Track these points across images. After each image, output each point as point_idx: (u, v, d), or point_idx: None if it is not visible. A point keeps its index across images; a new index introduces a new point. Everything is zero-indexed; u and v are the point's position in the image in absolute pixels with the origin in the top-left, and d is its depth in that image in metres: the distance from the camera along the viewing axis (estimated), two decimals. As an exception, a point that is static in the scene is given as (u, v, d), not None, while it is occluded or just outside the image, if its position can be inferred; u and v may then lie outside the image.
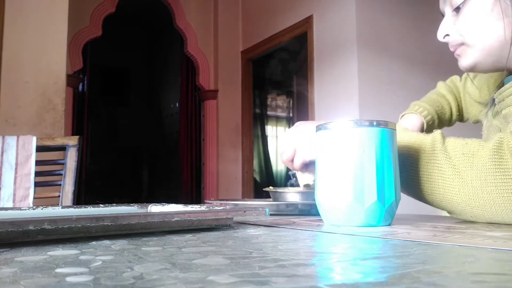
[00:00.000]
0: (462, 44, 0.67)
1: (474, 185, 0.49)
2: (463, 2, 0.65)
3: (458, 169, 0.50)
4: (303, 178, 0.73)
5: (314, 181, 0.71)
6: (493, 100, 0.70)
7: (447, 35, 0.69)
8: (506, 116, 0.64)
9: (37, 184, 1.20)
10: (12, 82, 1.95)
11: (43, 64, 2.03)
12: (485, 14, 0.63)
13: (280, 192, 0.74)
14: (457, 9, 0.66)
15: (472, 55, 0.66)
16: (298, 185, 0.76)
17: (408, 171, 0.55)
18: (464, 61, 0.68)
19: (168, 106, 5.96)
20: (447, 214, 0.60)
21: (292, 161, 0.71)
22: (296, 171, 0.73)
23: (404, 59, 3.20)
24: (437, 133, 0.55)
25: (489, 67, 0.67)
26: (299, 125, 0.71)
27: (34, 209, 0.49)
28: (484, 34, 0.64)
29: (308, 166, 0.70)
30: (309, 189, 0.73)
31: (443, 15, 0.71)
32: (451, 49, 0.70)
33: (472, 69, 0.68)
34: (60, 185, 1.22)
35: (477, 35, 0.65)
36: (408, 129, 0.60)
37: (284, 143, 0.71)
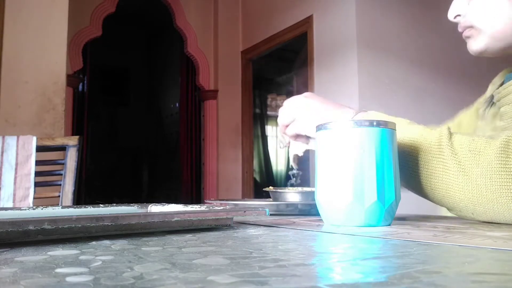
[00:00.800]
0: (471, 27, 0.67)
1: (478, 182, 0.49)
2: None
3: (463, 165, 0.50)
4: (295, 147, 0.74)
5: (303, 152, 0.72)
6: (492, 98, 0.70)
7: (459, 15, 0.68)
8: (502, 114, 0.64)
9: (37, 184, 1.20)
10: (12, 82, 1.95)
11: (43, 64, 2.03)
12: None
13: (280, 192, 0.74)
14: None
15: (482, 40, 0.66)
16: (297, 183, 0.77)
17: (411, 165, 0.54)
18: (474, 45, 0.68)
19: (168, 106, 5.96)
20: (447, 212, 0.60)
21: (286, 127, 0.72)
22: (290, 140, 0.74)
23: (404, 59, 3.20)
24: (444, 128, 0.54)
25: (498, 52, 0.67)
26: (308, 97, 0.71)
27: (34, 209, 0.49)
28: (495, 19, 0.64)
29: (299, 137, 0.72)
30: (298, 160, 0.73)
31: None
32: (460, 30, 0.69)
33: (482, 53, 0.68)
34: (60, 185, 1.22)
35: (487, 19, 0.65)
36: (414, 123, 0.59)
37: (287, 105, 0.72)
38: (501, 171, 0.47)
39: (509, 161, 0.47)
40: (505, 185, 0.47)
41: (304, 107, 0.70)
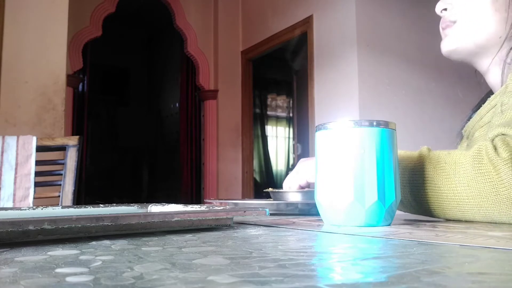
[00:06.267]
0: (454, 23, 0.69)
1: (459, 191, 0.51)
2: None
3: (442, 176, 0.52)
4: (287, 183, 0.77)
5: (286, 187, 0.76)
6: (461, 134, 0.73)
7: (445, 9, 0.71)
8: (476, 140, 0.66)
9: (37, 184, 1.20)
10: (12, 82, 1.95)
11: (43, 64, 2.03)
12: (483, 1, 0.65)
13: (280, 192, 0.74)
14: None
15: (457, 39, 0.69)
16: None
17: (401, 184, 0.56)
18: (446, 44, 0.71)
19: (168, 106, 5.96)
20: None
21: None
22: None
23: (404, 59, 3.20)
24: (423, 148, 0.57)
25: (465, 55, 0.70)
26: (306, 159, 0.77)
27: (34, 209, 0.49)
28: (477, 19, 0.66)
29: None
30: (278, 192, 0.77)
31: None
32: (442, 26, 0.72)
33: (451, 53, 0.71)
34: (60, 185, 1.22)
35: (472, 17, 0.67)
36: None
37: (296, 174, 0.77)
38: (477, 176, 0.49)
39: (482, 166, 0.49)
40: (482, 190, 0.49)
41: (308, 165, 0.74)
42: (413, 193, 0.56)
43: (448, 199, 0.52)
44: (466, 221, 0.53)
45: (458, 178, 0.51)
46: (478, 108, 0.70)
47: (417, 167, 0.55)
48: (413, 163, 0.56)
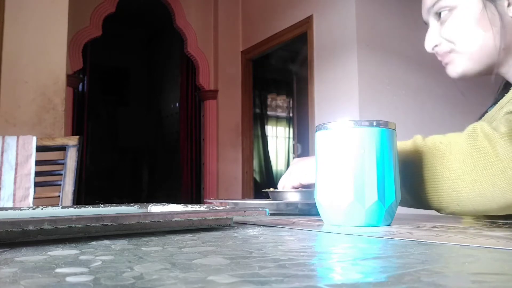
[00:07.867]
0: (451, 51, 0.70)
1: (454, 168, 0.51)
2: (449, 11, 0.68)
3: (438, 156, 0.53)
4: (280, 184, 0.77)
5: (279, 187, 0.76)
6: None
7: (436, 45, 0.72)
8: None
9: (37, 184, 1.20)
10: (12, 82, 1.95)
11: (43, 64, 2.03)
12: (472, 23, 0.66)
13: (279, 192, 0.74)
14: (442, 18, 0.69)
15: (461, 63, 0.69)
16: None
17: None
18: (453, 70, 0.71)
19: (168, 106, 5.96)
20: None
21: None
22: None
23: (404, 59, 3.20)
24: (417, 135, 0.58)
25: (476, 74, 0.70)
26: (300, 160, 0.76)
27: (34, 209, 0.49)
28: (471, 42, 0.67)
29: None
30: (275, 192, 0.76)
31: (426, 24, 0.73)
32: (439, 58, 0.72)
33: (461, 77, 0.71)
34: (60, 185, 1.22)
35: (466, 42, 0.67)
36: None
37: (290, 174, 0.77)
38: (472, 152, 0.50)
39: (477, 142, 0.50)
40: (478, 165, 0.49)
41: (301, 166, 0.73)
42: (406, 184, 0.56)
43: (444, 178, 0.52)
44: (467, 221, 0.53)
45: (453, 155, 0.51)
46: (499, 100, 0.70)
47: (411, 155, 0.56)
48: (406, 152, 0.56)
